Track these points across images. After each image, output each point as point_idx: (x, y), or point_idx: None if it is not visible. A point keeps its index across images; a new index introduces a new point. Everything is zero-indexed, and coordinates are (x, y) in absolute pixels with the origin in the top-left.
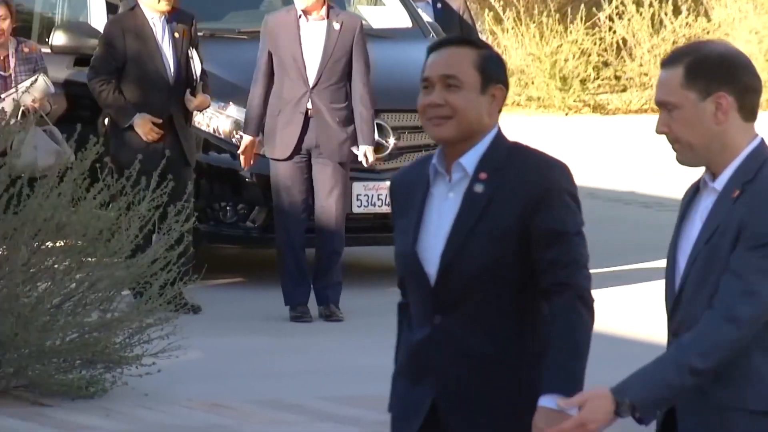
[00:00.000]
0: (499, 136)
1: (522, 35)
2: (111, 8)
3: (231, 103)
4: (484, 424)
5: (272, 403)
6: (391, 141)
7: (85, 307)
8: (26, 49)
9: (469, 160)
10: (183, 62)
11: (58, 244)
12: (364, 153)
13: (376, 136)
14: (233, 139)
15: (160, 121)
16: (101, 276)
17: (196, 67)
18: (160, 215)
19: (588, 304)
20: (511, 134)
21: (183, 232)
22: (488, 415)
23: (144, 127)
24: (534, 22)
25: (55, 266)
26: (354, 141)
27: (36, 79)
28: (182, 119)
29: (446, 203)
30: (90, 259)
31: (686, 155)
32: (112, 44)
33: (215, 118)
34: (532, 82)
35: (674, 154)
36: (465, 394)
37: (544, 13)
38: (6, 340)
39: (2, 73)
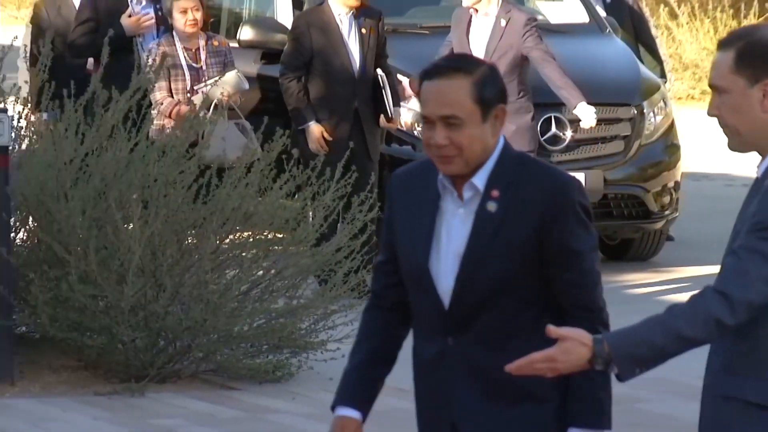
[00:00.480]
0: (505, 147)
1: (696, 30)
2: (297, 4)
3: (413, 96)
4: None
5: None
6: (569, 133)
7: (272, 293)
8: (216, 43)
9: (480, 178)
10: (369, 58)
11: (245, 234)
12: (584, 113)
13: (554, 128)
14: (415, 132)
15: (330, 138)
16: (287, 264)
17: (386, 90)
18: (344, 205)
19: (607, 325)
20: (687, 128)
21: (366, 222)
22: (511, 424)
23: (313, 135)
24: (708, 17)
25: (243, 254)
26: (531, 132)
27: (227, 73)
28: (367, 114)
29: (455, 220)
30: (276, 247)
31: (734, 141)
32: (299, 39)
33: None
34: (707, 76)
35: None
36: (484, 415)
37: (718, 9)
38: (195, 325)
39: (194, 65)
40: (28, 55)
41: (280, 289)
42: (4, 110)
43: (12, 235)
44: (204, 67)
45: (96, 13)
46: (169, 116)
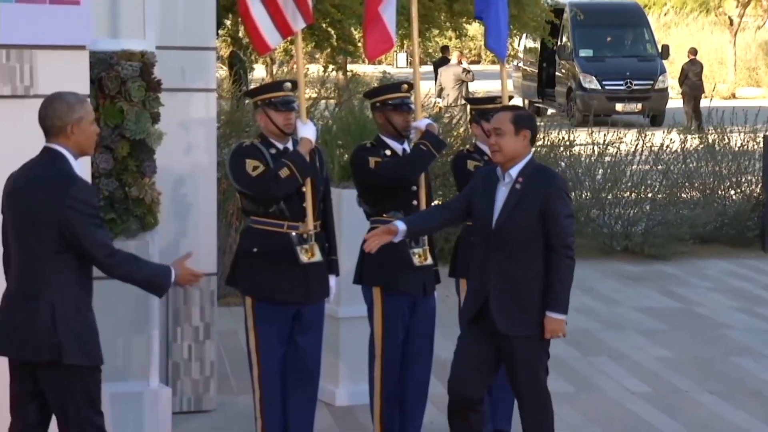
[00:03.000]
0: (531, 159)
1: None
2: None
3: None
4: (513, 316)
5: None
6: None
7: None
8: None
9: (514, 171)
10: None
11: None
12: None
13: None
14: None
15: None
16: None
17: None
18: None
19: (569, 255)
20: None
21: None
22: (516, 311)
23: None
24: None
25: None
26: None
27: None
28: None
29: (500, 192)
30: None
31: None
32: None
33: None
34: None
35: None
36: (503, 298)
37: None
38: None
39: None
40: None
41: None
42: None
43: None
44: None
45: None
46: None
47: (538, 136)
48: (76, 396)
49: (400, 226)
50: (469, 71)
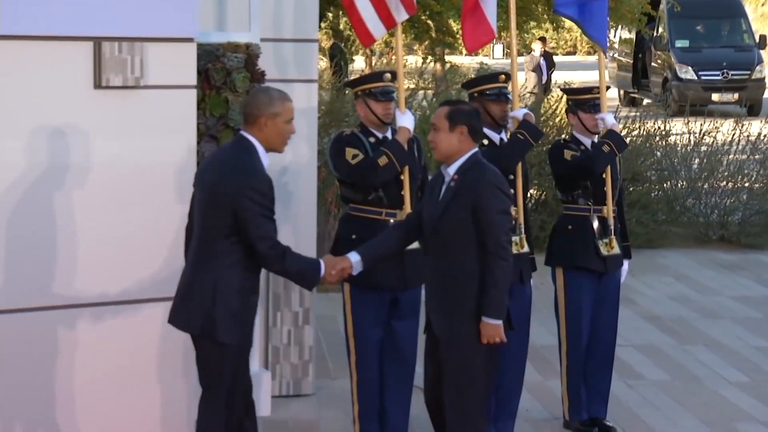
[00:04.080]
0: (473, 155)
1: None
2: None
3: None
4: (448, 319)
5: None
6: None
7: None
8: None
9: (452, 168)
10: None
11: None
12: None
13: None
14: None
15: None
16: None
17: None
18: None
19: (503, 255)
20: None
21: None
22: (451, 313)
23: None
24: None
25: None
26: None
27: None
28: None
29: (443, 190)
30: None
31: None
32: None
33: None
34: None
35: None
36: (439, 300)
37: None
38: None
39: None
40: None
41: None
42: None
43: None
44: None
45: None
46: None
47: (633, 125)
48: (223, 372)
49: (353, 258)
50: (532, 58)
